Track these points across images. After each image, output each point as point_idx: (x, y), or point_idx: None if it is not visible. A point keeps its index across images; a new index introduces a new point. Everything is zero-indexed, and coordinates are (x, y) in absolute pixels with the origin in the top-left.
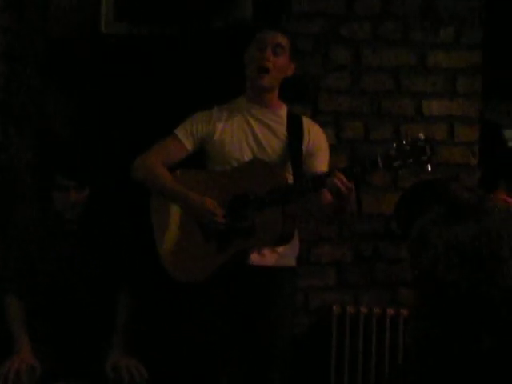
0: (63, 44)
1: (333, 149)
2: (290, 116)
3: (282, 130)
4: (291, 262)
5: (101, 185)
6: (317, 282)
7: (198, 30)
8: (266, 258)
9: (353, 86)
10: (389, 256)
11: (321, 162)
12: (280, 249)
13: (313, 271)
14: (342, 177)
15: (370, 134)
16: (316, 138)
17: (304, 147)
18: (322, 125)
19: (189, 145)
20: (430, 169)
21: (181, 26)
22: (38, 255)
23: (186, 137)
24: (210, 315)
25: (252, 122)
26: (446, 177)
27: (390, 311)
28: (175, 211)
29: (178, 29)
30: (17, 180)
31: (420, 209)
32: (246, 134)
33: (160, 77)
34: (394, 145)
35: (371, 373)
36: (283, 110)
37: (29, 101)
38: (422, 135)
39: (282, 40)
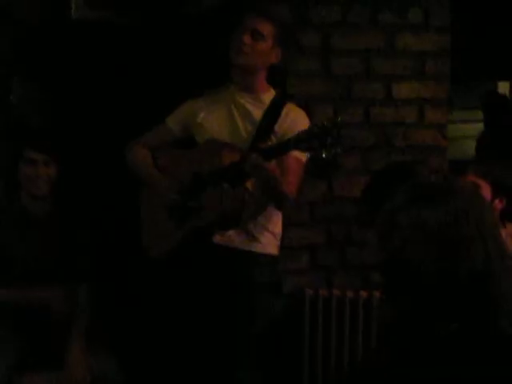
0: (32, 30)
1: None
2: (274, 101)
3: (259, 113)
4: (266, 248)
5: (69, 166)
6: (290, 266)
7: (169, 17)
8: (230, 238)
9: (322, 70)
10: (361, 239)
11: None
12: (253, 233)
13: (285, 255)
14: (253, 159)
15: (340, 117)
16: (292, 122)
17: (277, 129)
18: None
19: (174, 128)
20: (339, 151)
21: (152, 13)
22: (7, 245)
23: (172, 121)
24: (179, 296)
25: (232, 106)
26: (414, 159)
27: (363, 294)
28: (150, 192)
29: (149, 15)
30: None
31: (388, 191)
32: (226, 118)
33: (131, 63)
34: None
35: (344, 356)
36: (268, 95)
37: None
38: (333, 118)
39: (262, 26)
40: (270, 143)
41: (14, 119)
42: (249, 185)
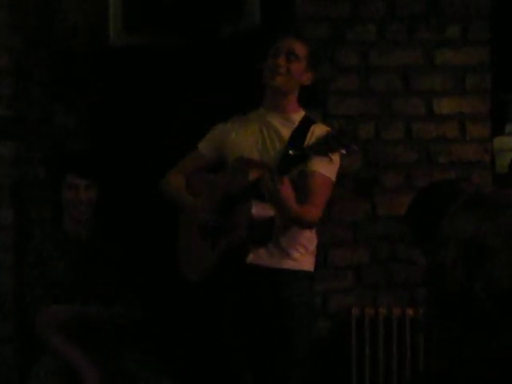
0: (71, 58)
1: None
2: (303, 121)
3: (287, 132)
4: (300, 265)
5: (109, 190)
6: (335, 285)
7: (207, 40)
8: (261, 257)
9: (362, 88)
10: (406, 256)
11: (315, 164)
12: (286, 249)
13: (330, 274)
14: (266, 181)
15: (381, 134)
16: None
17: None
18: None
19: (206, 151)
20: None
21: (189, 36)
22: (51, 270)
23: (203, 146)
24: (216, 319)
25: (263, 127)
26: (458, 176)
27: (410, 312)
28: (185, 216)
29: (187, 39)
30: (30, 196)
31: (433, 210)
32: (257, 139)
33: (170, 86)
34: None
35: (393, 374)
36: (298, 115)
37: (38, 117)
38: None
39: (297, 47)
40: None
41: (55, 146)
42: None
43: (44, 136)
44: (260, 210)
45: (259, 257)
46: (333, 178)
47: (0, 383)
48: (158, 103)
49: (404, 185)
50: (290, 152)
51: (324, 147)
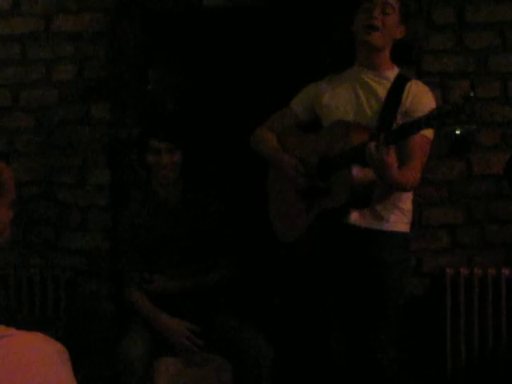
0: (164, 19)
1: None
2: (398, 78)
3: (383, 91)
4: (394, 226)
5: (197, 151)
6: (429, 245)
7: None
8: (358, 218)
9: (457, 45)
10: (501, 216)
11: None
12: (379, 211)
13: (425, 234)
14: (372, 150)
15: (477, 92)
16: (415, 97)
17: (401, 108)
18: (428, 86)
19: (299, 111)
20: (473, 128)
21: None
22: (142, 231)
23: (296, 104)
24: (315, 277)
25: (357, 85)
26: None
27: (506, 272)
28: (279, 175)
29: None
30: (125, 158)
31: None
32: (351, 97)
33: (258, 47)
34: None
35: (488, 335)
36: (392, 72)
37: (132, 79)
38: (465, 94)
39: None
40: (399, 122)
41: (148, 108)
42: None
43: (138, 98)
44: (361, 174)
45: (356, 218)
46: (431, 136)
47: (101, 335)
48: (249, 64)
49: (500, 143)
50: (399, 124)
51: (437, 122)
